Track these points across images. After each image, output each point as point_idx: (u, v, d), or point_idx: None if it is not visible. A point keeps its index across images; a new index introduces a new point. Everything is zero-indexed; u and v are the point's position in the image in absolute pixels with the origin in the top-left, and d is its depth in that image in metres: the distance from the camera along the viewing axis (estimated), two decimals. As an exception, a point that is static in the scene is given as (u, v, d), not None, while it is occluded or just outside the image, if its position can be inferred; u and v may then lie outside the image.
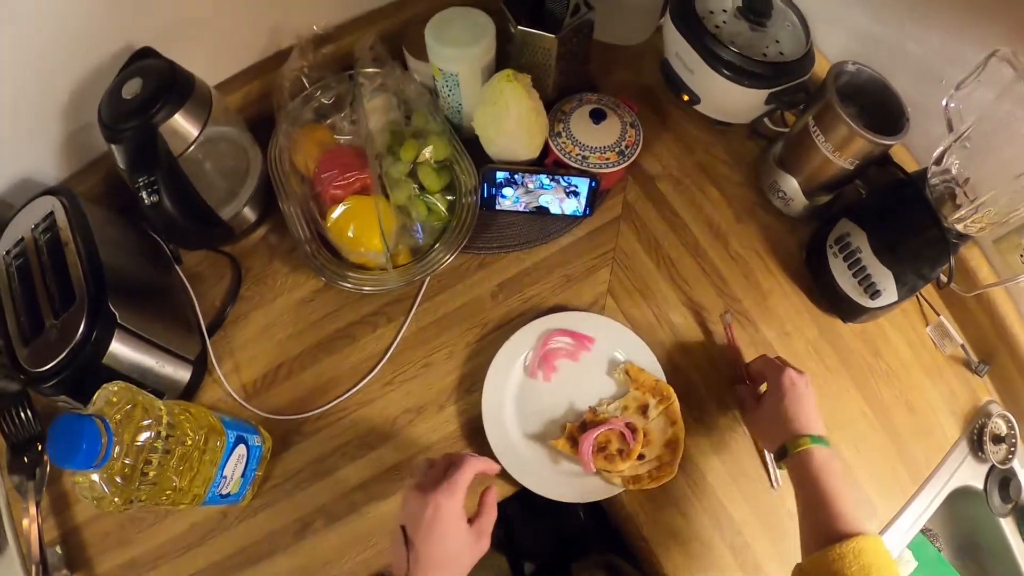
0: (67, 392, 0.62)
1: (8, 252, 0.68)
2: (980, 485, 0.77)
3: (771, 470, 0.70)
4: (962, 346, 0.81)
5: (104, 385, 0.56)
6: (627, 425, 0.67)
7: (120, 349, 0.64)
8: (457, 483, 0.51)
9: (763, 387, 0.68)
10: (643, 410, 0.69)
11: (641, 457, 0.67)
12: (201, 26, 0.74)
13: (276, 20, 0.78)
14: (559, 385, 0.70)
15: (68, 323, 0.61)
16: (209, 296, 0.76)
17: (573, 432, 0.66)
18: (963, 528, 0.87)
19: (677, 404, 0.69)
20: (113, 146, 0.68)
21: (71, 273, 0.64)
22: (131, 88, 0.66)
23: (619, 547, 0.73)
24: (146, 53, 0.70)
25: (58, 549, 0.65)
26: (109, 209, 0.73)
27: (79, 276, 0.64)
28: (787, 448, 0.60)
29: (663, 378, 0.70)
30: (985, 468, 0.77)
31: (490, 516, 0.55)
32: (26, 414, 0.70)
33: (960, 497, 0.76)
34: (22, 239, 0.68)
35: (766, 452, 0.70)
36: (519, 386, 0.69)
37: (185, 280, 0.76)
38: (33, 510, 0.66)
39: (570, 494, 0.65)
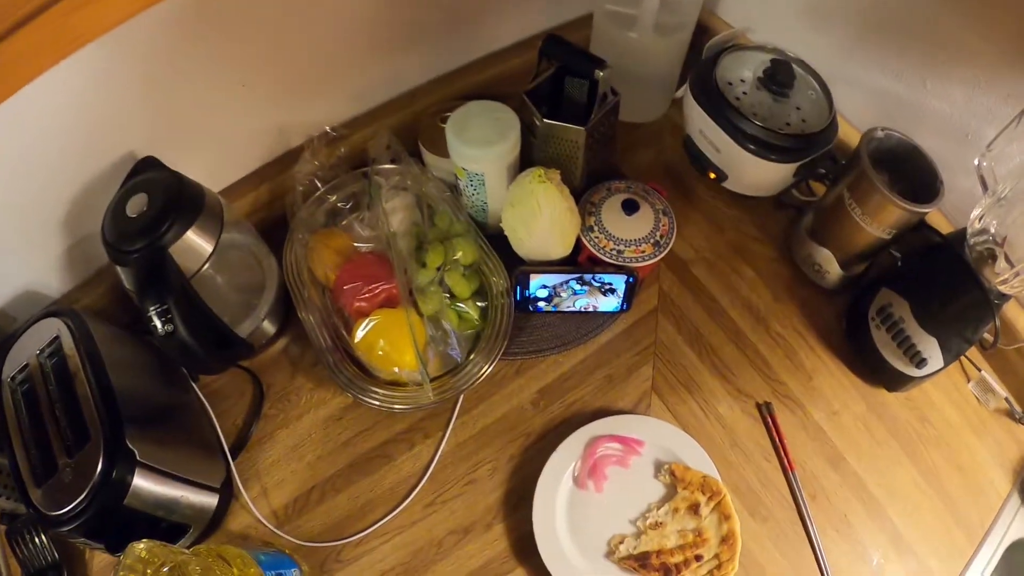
0: (85, 535, 0.59)
1: (13, 378, 0.64)
2: (1035, 534, 0.75)
3: (822, 561, 0.67)
4: (1006, 398, 0.79)
5: (131, 544, 0.52)
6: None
7: (142, 486, 0.59)
8: None
9: None
10: (695, 509, 0.66)
11: (699, 558, 0.64)
12: (205, 130, 0.70)
13: (282, 119, 0.74)
14: (611, 495, 0.66)
15: (83, 463, 0.57)
16: (230, 415, 0.72)
17: (633, 567, 0.63)
18: (1022, 578, 0.85)
19: (728, 498, 0.66)
20: (119, 268, 0.64)
21: (82, 407, 0.60)
22: (136, 204, 0.62)
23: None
24: (149, 163, 0.66)
25: None
26: (115, 324, 0.69)
27: (92, 411, 0.59)
28: None
29: (716, 474, 0.67)
30: (1039, 516, 0.75)
31: None
32: (40, 540, 0.66)
33: (1018, 549, 0.74)
34: (27, 365, 0.64)
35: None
36: (569, 500, 0.66)
37: (204, 400, 0.72)
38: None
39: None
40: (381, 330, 0.66)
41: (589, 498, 0.66)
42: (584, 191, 0.74)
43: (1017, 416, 0.79)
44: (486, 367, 0.67)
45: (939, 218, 0.80)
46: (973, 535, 0.72)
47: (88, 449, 0.57)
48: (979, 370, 0.80)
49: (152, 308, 0.62)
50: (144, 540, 0.53)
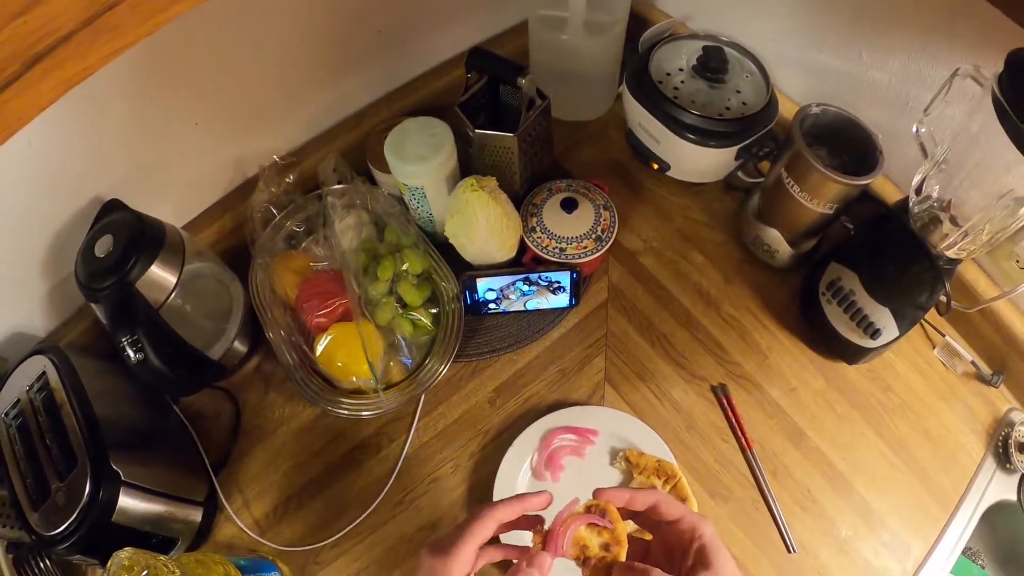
0: (81, 552, 0.63)
1: (7, 414, 0.69)
2: (1013, 497, 0.74)
3: (786, 535, 0.69)
4: (972, 362, 0.79)
5: (115, 553, 0.56)
6: (588, 510, 0.48)
7: (128, 504, 0.64)
8: (449, 539, 0.43)
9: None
10: None
11: None
12: (166, 168, 0.74)
13: (238, 151, 0.78)
14: (568, 483, 0.69)
15: (73, 486, 0.62)
16: (212, 433, 0.76)
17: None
18: (1004, 541, 0.84)
19: (684, 481, 0.68)
20: (93, 304, 0.69)
21: (70, 435, 0.64)
22: (103, 246, 0.66)
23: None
24: (114, 205, 0.71)
25: None
26: (99, 357, 0.74)
27: (78, 438, 0.64)
28: None
29: (671, 458, 0.69)
30: (1016, 478, 0.74)
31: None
32: (45, 563, 0.71)
33: (996, 512, 0.74)
34: (19, 400, 0.69)
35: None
36: (528, 491, 0.68)
37: (185, 420, 0.76)
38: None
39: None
40: (338, 343, 0.69)
41: (547, 488, 0.68)
42: (527, 193, 0.76)
43: (986, 378, 0.79)
44: (441, 369, 0.70)
45: (889, 187, 0.80)
46: (947, 502, 0.72)
47: (76, 473, 0.62)
48: (943, 335, 0.80)
49: (124, 339, 0.67)
50: (127, 548, 0.57)
